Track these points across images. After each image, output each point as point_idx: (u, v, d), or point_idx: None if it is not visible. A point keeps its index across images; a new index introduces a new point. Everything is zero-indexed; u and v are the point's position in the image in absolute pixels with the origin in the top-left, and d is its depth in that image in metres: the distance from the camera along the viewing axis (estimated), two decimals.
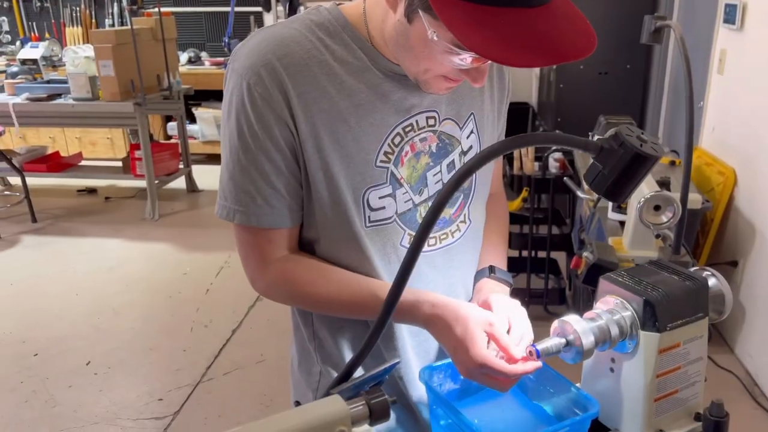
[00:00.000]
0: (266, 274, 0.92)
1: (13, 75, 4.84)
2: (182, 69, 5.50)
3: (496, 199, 1.11)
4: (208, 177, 5.41)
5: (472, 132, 0.96)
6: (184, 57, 5.90)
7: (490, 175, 1.04)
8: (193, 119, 5.79)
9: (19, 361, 2.90)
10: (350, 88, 0.85)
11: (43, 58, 5.16)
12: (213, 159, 5.88)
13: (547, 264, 3.08)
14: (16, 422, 2.51)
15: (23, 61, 5.03)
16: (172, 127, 5.88)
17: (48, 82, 4.78)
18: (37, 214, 4.58)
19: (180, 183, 5.20)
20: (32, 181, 4.69)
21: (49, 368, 2.85)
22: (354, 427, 0.67)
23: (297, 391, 1.05)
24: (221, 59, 5.87)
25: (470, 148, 0.96)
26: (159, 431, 2.43)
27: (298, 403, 0.94)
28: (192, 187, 5.26)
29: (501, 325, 0.83)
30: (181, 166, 5.15)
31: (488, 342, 0.82)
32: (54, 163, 5.01)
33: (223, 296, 3.50)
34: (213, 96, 5.74)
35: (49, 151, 5.28)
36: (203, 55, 6.10)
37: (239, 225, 0.90)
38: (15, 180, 5.04)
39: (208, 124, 5.79)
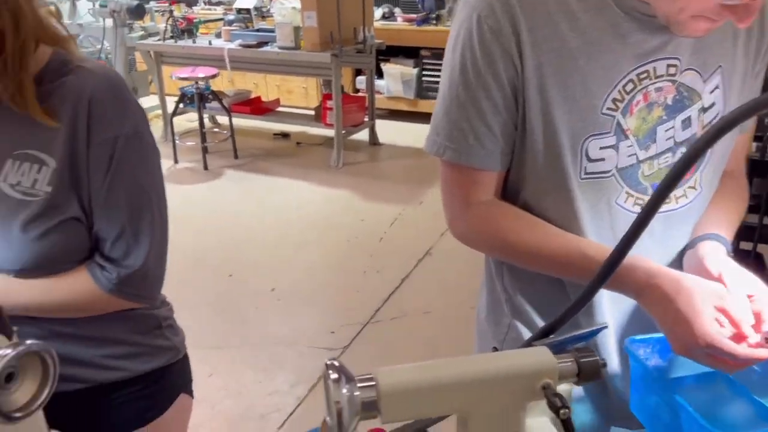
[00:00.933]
0: (468, 217, 0.91)
1: (230, 23, 5.33)
2: (376, 24, 5.65)
3: (735, 177, 0.97)
4: (389, 132, 5.57)
5: (717, 87, 0.85)
6: (378, 12, 6.05)
7: (732, 141, 0.92)
8: (380, 74, 5.95)
9: (216, 279, 3.27)
10: (584, 26, 0.79)
11: (255, 8, 5.60)
12: (395, 115, 6.02)
13: (753, 256, 2.74)
14: (213, 331, 2.84)
15: (239, 11, 5.51)
16: (361, 80, 6.10)
17: (258, 30, 5.19)
18: (239, 151, 5.07)
19: (363, 135, 5.41)
20: (236, 121, 5.17)
21: (241, 289, 3.18)
22: (559, 383, 0.65)
23: (482, 341, 1.05)
24: (414, 16, 5.92)
25: (712, 105, 0.86)
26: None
27: (495, 349, 0.93)
28: (374, 140, 5.45)
29: (735, 300, 0.74)
30: (366, 119, 5.35)
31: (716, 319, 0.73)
32: (256, 107, 5.48)
33: (395, 246, 3.62)
34: (402, 52, 5.84)
35: (252, 96, 5.78)
36: (397, 11, 6.20)
37: (447, 162, 0.89)
38: (222, 119, 5.60)
39: (394, 80, 5.92)
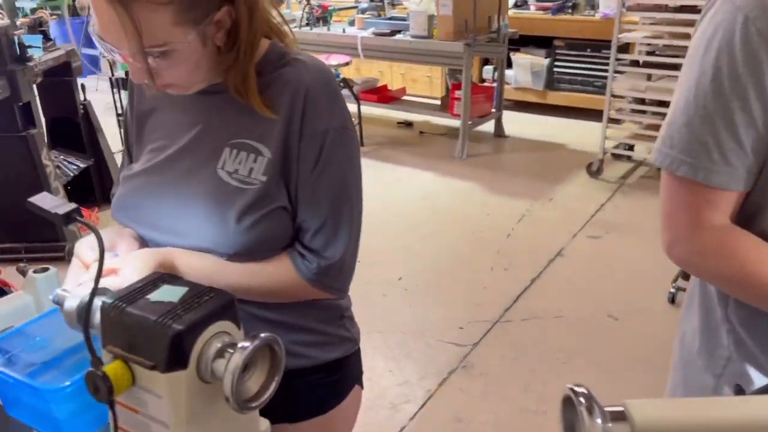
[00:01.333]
0: (695, 240, 0.82)
1: (363, 11, 5.39)
2: (509, 12, 5.49)
3: None
4: (516, 123, 5.43)
5: None
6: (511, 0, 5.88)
7: None
8: (509, 64, 5.79)
9: None
10: None
11: None
12: (521, 106, 5.85)
13: None
14: None
15: None
16: (488, 70, 5.98)
17: (390, 18, 5.21)
18: (365, 139, 5.13)
19: (488, 126, 5.31)
20: (362, 108, 5.23)
21: (369, 275, 3.21)
22: None
23: (687, 368, 0.96)
24: (549, 4, 5.70)
25: None
26: (459, 357, 2.58)
27: (739, 387, 0.85)
28: (499, 131, 5.32)
29: None
30: (493, 110, 5.23)
31: None
32: (383, 95, 5.52)
33: (523, 244, 3.51)
34: (533, 42, 5.65)
35: (379, 84, 5.83)
36: None
37: (678, 178, 0.81)
38: (349, 106, 5.67)
39: (523, 71, 5.75)
